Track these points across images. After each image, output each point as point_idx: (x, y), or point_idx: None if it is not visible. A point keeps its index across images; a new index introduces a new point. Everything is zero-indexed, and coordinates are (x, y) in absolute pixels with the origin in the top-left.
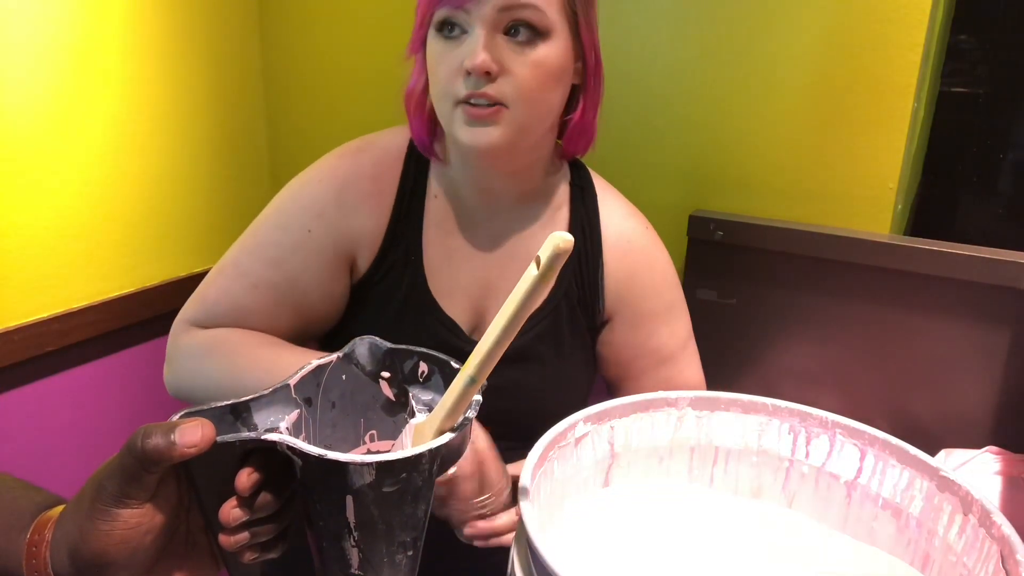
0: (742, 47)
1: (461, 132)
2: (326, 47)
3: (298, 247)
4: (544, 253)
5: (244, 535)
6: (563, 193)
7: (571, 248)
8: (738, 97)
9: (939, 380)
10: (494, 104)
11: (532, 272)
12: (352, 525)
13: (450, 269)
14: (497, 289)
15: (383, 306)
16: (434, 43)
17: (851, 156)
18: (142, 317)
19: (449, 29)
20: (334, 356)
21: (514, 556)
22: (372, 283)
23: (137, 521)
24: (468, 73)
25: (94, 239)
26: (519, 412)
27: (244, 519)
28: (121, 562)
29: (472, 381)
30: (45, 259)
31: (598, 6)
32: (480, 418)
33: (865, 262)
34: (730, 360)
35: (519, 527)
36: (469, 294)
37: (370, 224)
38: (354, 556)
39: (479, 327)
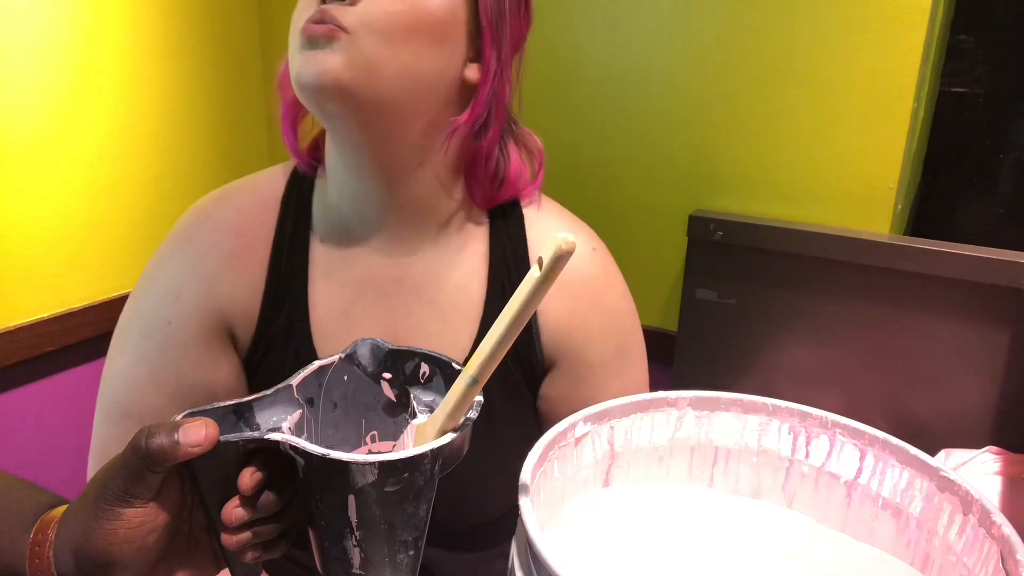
0: (743, 47)
1: (295, 63)
2: None
3: (164, 350)
4: (546, 255)
5: (246, 535)
6: (478, 220)
7: (574, 249)
8: (738, 97)
9: (939, 380)
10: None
11: (534, 274)
12: (354, 524)
13: (348, 327)
14: (406, 340)
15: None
16: None
17: (851, 156)
18: None
19: None
20: (336, 357)
21: (514, 556)
22: (255, 361)
23: (141, 520)
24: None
25: (94, 239)
26: (452, 511)
27: (247, 519)
28: (125, 561)
29: (474, 382)
30: (45, 259)
31: (599, 8)
32: None
33: (865, 262)
34: (730, 360)
35: (519, 527)
36: None
37: (241, 291)
38: (356, 555)
39: None
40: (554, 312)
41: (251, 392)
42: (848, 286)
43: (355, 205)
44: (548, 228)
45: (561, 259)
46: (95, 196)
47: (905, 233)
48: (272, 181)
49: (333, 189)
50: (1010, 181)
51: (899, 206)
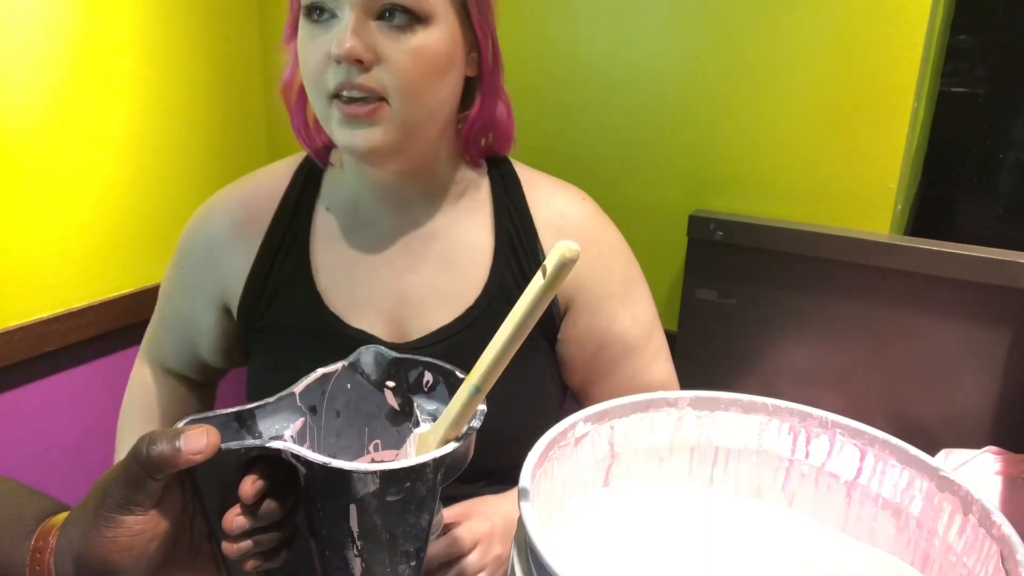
0: (742, 47)
1: (339, 134)
2: None
3: (177, 283)
4: (550, 262)
5: (247, 543)
6: (480, 185)
7: (578, 257)
8: (738, 97)
9: (939, 380)
10: (370, 97)
11: (538, 282)
12: (355, 534)
13: (351, 282)
14: (413, 298)
15: (280, 336)
16: (303, 29)
17: (851, 156)
18: (142, 317)
19: (318, 13)
20: (339, 365)
21: (514, 556)
22: (256, 316)
23: (141, 528)
24: (338, 62)
25: (94, 239)
26: (491, 449)
27: (247, 527)
28: (125, 569)
29: (477, 391)
30: (45, 259)
31: (601, 8)
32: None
33: (865, 262)
34: (730, 360)
35: (519, 527)
36: (380, 307)
37: (236, 255)
38: (357, 565)
39: (403, 339)
40: None
41: (256, 354)
42: (848, 286)
43: (369, 185)
44: (542, 185)
45: (565, 267)
46: (95, 196)
47: (905, 233)
48: (287, 163)
49: (349, 174)
50: (1010, 181)
51: (899, 206)
